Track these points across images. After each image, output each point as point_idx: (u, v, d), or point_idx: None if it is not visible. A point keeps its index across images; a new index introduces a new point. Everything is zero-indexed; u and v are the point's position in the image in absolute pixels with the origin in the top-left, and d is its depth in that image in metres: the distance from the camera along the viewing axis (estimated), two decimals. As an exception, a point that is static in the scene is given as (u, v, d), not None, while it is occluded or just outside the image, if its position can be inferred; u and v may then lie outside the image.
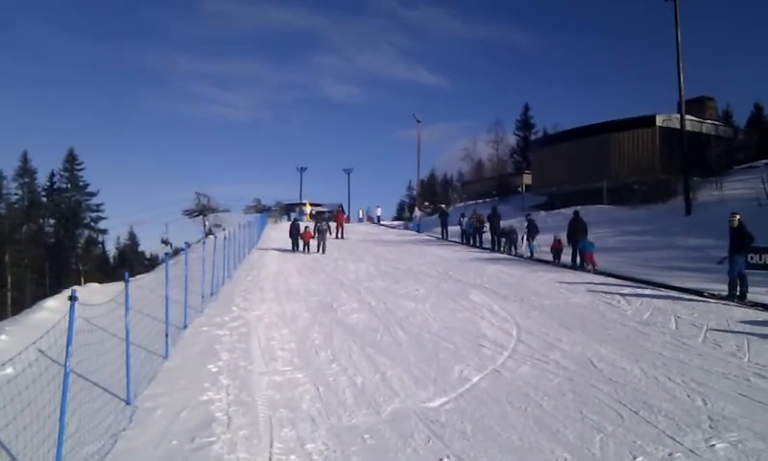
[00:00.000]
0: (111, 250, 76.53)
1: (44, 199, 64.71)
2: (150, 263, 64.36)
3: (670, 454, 5.60)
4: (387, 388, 8.10)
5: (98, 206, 66.72)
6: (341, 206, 51.63)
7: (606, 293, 14.13)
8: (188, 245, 14.40)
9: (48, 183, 65.54)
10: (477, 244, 27.81)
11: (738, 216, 13.33)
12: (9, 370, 5.94)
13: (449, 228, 32.03)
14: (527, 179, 45.20)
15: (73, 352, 5.43)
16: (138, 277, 21.01)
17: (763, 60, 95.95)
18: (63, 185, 66.08)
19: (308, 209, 51.17)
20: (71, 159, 65.90)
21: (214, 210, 63.15)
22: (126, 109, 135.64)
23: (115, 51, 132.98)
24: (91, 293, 14.72)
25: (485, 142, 63.25)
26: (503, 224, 26.58)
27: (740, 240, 13.02)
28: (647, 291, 14.15)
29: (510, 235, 24.58)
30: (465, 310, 12.91)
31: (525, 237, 23.40)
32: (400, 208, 69.10)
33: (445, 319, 12.19)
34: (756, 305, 12.22)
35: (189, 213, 63.67)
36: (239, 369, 8.69)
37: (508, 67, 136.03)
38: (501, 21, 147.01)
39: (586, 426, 6.41)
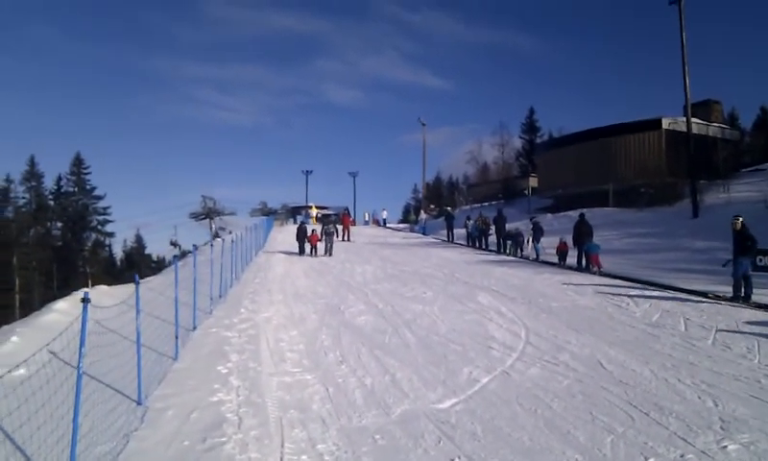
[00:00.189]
0: (118, 252, 76.85)
1: (51, 202, 64.98)
2: (156, 266, 64.67)
3: (682, 456, 5.59)
4: (396, 389, 8.11)
5: (105, 209, 67.05)
6: (347, 209, 51.73)
7: (614, 295, 14.11)
8: (196, 247, 14.42)
9: (55, 187, 65.87)
10: (483, 246, 27.80)
11: (741, 219, 13.37)
12: (21, 371, 5.97)
13: (455, 230, 32.08)
14: (533, 182, 45.21)
15: (85, 354, 5.46)
16: (147, 279, 21.07)
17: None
18: (70, 189, 66.40)
19: (314, 212, 51.21)
20: (78, 163, 66.23)
21: (220, 213, 63.41)
22: (131, 114, 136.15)
23: (121, 56, 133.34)
24: (100, 295, 14.77)
25: (490, 145, 63.48)
26: (508, 226, 26.60)
27: (743, 243, 13.08)
28: (655, 293, 14.11)
29: (516, 238, 24.63)
30: (472, 312, 12.91)
31: (531, 239, 23.43)
32: (406, 211, 68.99)
33: (453, 321, 12.19)
34: (760, 307, 12.20)
35: (196, 216, 63.96)
36: (249, 370, 8.72)
37: (513, 71, 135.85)
38: (505, 25, 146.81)
39: (596, 428, 6.41)
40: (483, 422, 6.77)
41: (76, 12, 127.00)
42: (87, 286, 30.53)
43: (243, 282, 17.43)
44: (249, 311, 13.11)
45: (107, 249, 70.65)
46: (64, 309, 12.52)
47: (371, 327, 11.90)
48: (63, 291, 31.14)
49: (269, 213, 52.91)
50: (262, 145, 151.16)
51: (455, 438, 6.30)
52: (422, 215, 44.20)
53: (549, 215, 33.06)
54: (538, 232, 23.01)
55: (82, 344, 5.36)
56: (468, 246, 28.99)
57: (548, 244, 22.18)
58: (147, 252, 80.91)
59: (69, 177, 66.18)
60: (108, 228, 67.70)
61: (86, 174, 66.66)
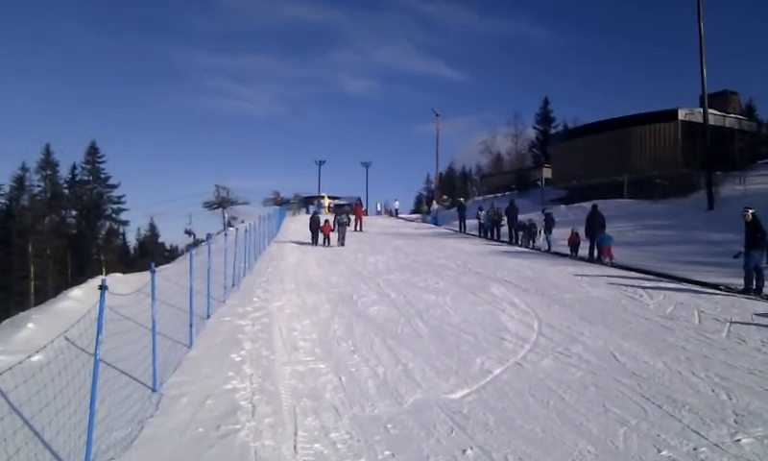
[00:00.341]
0: (132, 241, 77.34)
1: (66, 191, 65.44)
2: (170, 254, 65.01)
3: (695, 449, 5.58)
4: (409, 379, 8.14)
5: (119, 197, 67.47)
6: (359, 199, 51.66)
7: (627, 287, 14.04)
8: (210, 236, 14.50)
9: (70, 176, 66.30)
10: (495, 237, 27.74)
11: (752, 211, 13.30)
12: (39, 357, 6.04)
13: (467, 221, 32.03)
14: (547, 172, 44.90)
15: (102, 341, 5.52)
16: (161, 267, 21.21)
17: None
18: (85, 178, 66.82)
19: (327, 202, 51.26)
20: (93, 152, 66.61)
21: (233, 203, 63.55)
22: (146, 103, 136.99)
23: (136, 46, 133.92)
24: (115, 283, 14.87)
25: (504, 136, 62.77)
26: (520, 217, 26.51)
27: (754, 235, 12.97)
28: (669, 285, 14.03)
29: (530, 229, 24.55)
30: (485, 303, 12.90)
31: (543, 231, 23.37)
32: (418, 202, 68.80)
33: (466, 312, 12.19)
34: (771, 299, 12.11)
35: (209, 205, 64.14)
36: (262, 358, 8.79)
37: (527, 61, 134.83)
38: (520, 15, 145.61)
39: (609, 420, 6.40)
40: (495, 412, 6.79)
41: (90, 3, 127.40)
42: (102, 274, 30.76)
43: (256, 272, 17.51)
44: (262, 300, 13.17)
45: (120, 237, 71.26)
46: (79, 297, 12.61)
47: (383, 317, 11.93)
48: (78, 279, 31.49)
49: (281, 203, 52.94)
50: (275, 135, 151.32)
51: (467, 428, 6.33)
52: (434, 206, 44.10)
53: (563, 206, 32.86)
54: (550, 224, 22.97)
55: (99, 331, 5.42)
56: (480, 237, 28.94)
57: (560, 235, 22.10)
58: (160, 240, 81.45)
59: (84, 165, 66.64)
60: (123, 216, 68.26)
61: (101, 163, 67.10)
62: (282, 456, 5.56)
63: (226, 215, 59.06)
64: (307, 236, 26.26)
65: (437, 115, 55.40)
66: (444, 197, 55.24)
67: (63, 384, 5.76)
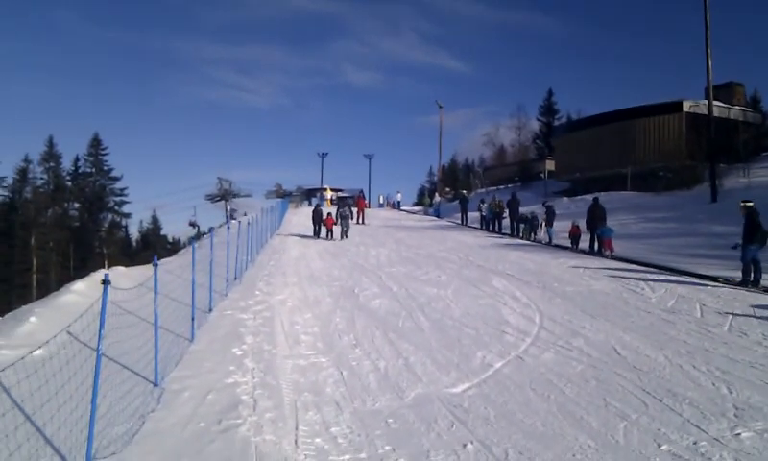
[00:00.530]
0: (134, 233, 77.61)
1: (69, 183, 65.59)
2: (172, 247, 65.23)
3: (695, 443, 5.58)
4: (410, 373, 8.16)
5: (122, 190, 67.75)
6: (361, 191, 51.68)
7: (629, 280, 14.01)
8: (212, 229, 14.52)
9: (73, 168, 66.52)
10: (497, 230, 27.73)
11: (750, 203, 13.26)
12: (41, 351, 6.06)
13: (469, 213, 32.02)
14: (550, 164, 44.83)
15: (104, 336, 5.53)
16: (163, 260, 21.25)
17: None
18: (88, 170, 67.04)
19: (329, 195, 51.27)
20: (96, 144, 66.77)
21: (236, 195, 63.68)
22: (149, 95, 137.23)
23: (140, 38, 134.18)
24: (117, 276, 14.87)
25: (507, 128, 62.85)
26: (522, 210, 26.49)
27: (751, 227, 12.95)
28: (671, 278, 14.00)
29: (532, 221, 24.52)
30: (487, 296, 12.91)
31: (543, 223, 23.39)
32: (421, 194, 68.79)
33: (468, 305, 12.20)
34: (768, 292, 12.11)
35: (211, 198, 64.32)
36: (263, 352, 8.80)
37: (531, 53, 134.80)
38: (524, 6, 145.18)
39: (609, 414, 6.41)
40: (496, 406, 6.81)
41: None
42: (104, 267, 30.86)
43: (258, 265, 17.53)
44: (263, 294, 13.18)
45: (123, 229, 71.54)
46: (82, 290, 12.63)
47: (385, 311, 11.95)
48: (80, 271, 31.56)
49: (284, 195, 52.97)
50: (278, 127, 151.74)
51: (468, 422, 6.34)
52: (436, 198, 44.09)
53: (565, 199, 32.84)
54: (551, 216, 23.00)
55: (101, 326, 5.42)
56: (481, 229, 28.92)
57: (561, 228, 22.08)
58: (163, 233, 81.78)
59: (87, 158, 66.86)
60: (125, 208, 68.61)
61: (104, 155, 67.34)
62: (283, 451, 5.57)
63: (228, 207, 59.18)
64: (309, 229, 26.29)
65: (440, 107, 55.33)
66: (447, 189, 55.23)
67: (65, 379, 5.78)
